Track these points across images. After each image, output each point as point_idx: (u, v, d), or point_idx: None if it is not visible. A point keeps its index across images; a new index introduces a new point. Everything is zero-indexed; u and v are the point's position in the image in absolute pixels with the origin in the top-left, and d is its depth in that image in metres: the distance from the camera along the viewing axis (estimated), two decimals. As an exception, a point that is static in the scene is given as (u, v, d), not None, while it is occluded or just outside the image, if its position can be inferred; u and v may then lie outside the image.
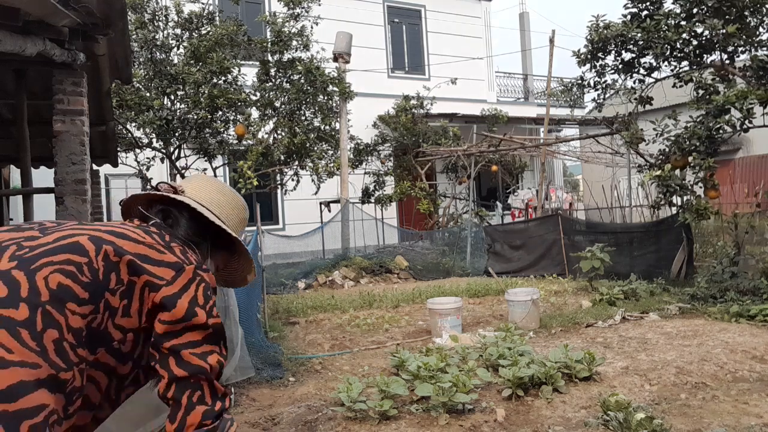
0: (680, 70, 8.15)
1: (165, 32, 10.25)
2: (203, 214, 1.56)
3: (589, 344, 5.49)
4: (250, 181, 10.18)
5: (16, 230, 1.35)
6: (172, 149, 10.43)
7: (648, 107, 8.50)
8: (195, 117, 10.02)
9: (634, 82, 8.58)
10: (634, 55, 8.18)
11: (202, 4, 10.52)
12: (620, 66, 8.34)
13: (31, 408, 1.11)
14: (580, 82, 8.83)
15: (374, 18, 17.59)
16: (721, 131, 7.11)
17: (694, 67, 7.96)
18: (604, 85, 8.68)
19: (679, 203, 8.38)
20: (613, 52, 8.24)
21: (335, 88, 11.52)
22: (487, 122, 16.52)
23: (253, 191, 10.61)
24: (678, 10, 7.57)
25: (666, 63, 8.07)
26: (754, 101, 6.69)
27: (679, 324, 6.02)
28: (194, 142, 10.59)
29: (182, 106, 10.17)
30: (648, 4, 7.87)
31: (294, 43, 11.01)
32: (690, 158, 7.35)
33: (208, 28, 10.33)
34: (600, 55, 8.30)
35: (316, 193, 12.20)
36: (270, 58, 11.13)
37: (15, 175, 9.42)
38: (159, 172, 11.46)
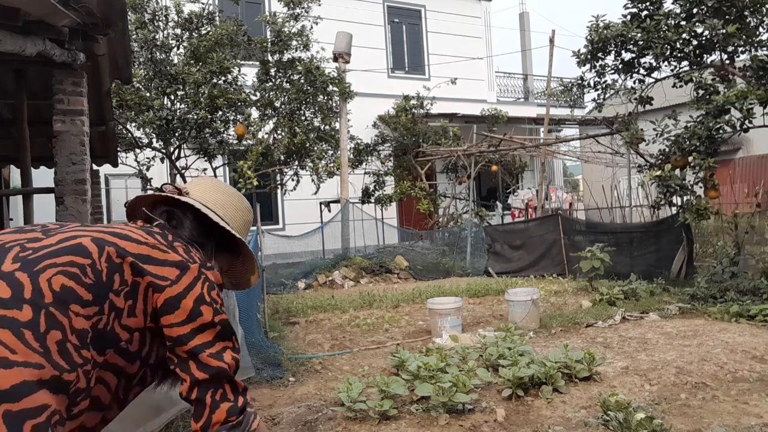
0: (680, 70, 8.15)
1: (165, 32, 10.24)
2: (207, 215, 1.57)
3: (589, 344, 5.49)
4: (250, 181, 10.18)
5: (19, 232, 1.36)
6: (172, 149, 10.43)
7: (648, 107, 8.50)
8: (195, 117, 10.02)
9: (634, 82, 8.58)
10: (634, 55, 8.18)
11: (202, 4, 10.52)
12: (620, 66, 8.35)
13: (34, 408, 1.12)
14: (580, 82, 8.84)
15: (374, 18, 17.59)
16: (721, 131, 7.12)
17: (694, 67, 7.96)
18: (604, 85, 8.69)
19: (679, 203, 8.38)
20: (613, 52, 8.24)
21: (335, 88, 11.53)
22: (487, 122, 16.52)
23: (253, 191, 10.61)
24: (678, 10, 7.57)
25: (666, 63, 8.07)
26: (754, 101, 6.70)
27: (679, 324, 6.02)
28: (194, 142, 10.60)
29: (182, 106, 10.17)
30: (648, 4, 7.87)
31: (294, 43, 11.01)
32: (690, 158, 7.35)
33: (208, 28, 10.33)
34: (600, 55, 8.30)
35: (316, 193, 12.20)
36: (270, 58, 11.13)
37: (15, 175, 9.41)
38: (159, 172, 11.46)
